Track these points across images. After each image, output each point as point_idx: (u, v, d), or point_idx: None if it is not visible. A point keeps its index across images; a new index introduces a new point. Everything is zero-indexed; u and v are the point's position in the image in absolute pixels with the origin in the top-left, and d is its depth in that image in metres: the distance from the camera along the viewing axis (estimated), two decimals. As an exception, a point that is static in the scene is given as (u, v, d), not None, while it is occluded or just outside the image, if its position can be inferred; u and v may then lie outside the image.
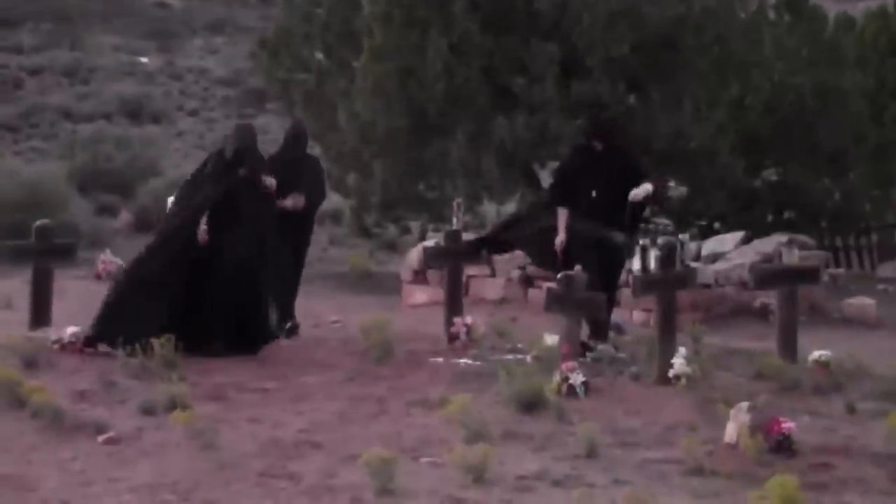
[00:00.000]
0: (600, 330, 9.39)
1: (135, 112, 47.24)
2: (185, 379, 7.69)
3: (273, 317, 10.01)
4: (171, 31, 65.64)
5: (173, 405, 6.95)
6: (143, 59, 58.30)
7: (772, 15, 18.70)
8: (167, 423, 6.76)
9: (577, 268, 8.59)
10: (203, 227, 9.33)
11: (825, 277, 14.01)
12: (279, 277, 10.13)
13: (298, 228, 10.45)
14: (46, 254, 9.75)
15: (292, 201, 10.21)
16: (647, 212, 10.15)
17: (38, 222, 10.20)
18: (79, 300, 11.86)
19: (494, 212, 23.16)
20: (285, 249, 10.22)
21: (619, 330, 10.71)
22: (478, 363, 9.07)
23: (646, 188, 9.26)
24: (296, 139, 10.79)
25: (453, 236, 10.52)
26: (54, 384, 7.57)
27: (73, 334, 8.83)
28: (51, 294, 9.82)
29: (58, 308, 9.90)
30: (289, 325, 10.33)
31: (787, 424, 6.38)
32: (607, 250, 9.27)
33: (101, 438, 6.54)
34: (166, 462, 6.15)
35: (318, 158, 11.91)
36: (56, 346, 8.79)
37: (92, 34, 60.65)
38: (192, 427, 6.52)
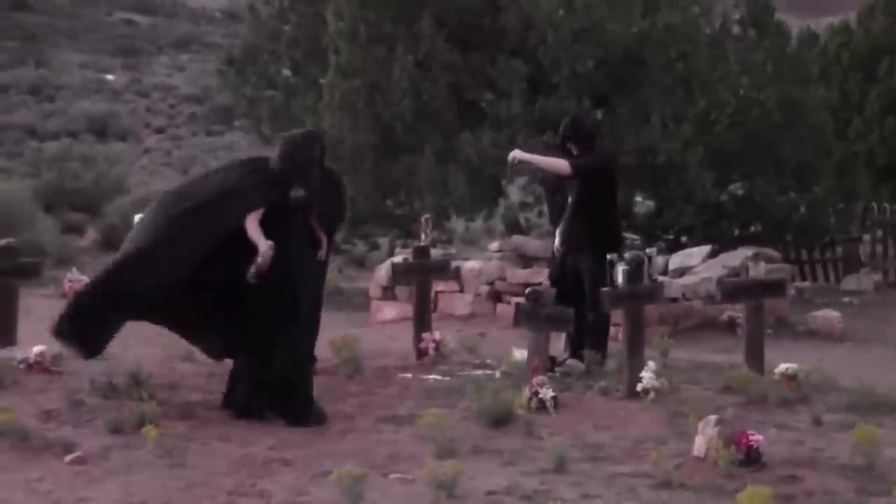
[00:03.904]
0: (578, 345, 9.38)
1: (101, 130, 47.14)
2: (153, 397, 7.65)
3: None
4: (138, 49, 65.58)
5: (141, 424, 6.90)
6: (110, 77, 58.19)
7: (736, 30, 18.85)
8: (135, 442, 6.73)
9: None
10: (266, 243, 7.58)
11: (791, 291, 14.13)
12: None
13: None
14: (12, 273, 9.68)
15: None
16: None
17: (3, 241, 10.12)
18: (45, 319, 11.77)
19: (462, 227, 23.24)
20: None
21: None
22: (447, 379, 9.07)
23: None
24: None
25: (422, 252, 10.52)
26: (21, 404, 7.51)
27: (40, 354, 8.77)
28: (16, 313, 9.75)
29: (24, 327, 9.82)
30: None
31: (755, 437, 6.42)
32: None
33: (68, 458, 6.49)
34: (135, 481, 6.11)
35: (336, 171, 10.59)
36: (22, 366, 8.72)
37: (58, 52, 60.45)
38: (161, 446, 6.49)
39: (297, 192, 7.82)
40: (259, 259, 7.49)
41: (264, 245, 7.51)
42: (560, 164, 9.33)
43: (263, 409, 7.65)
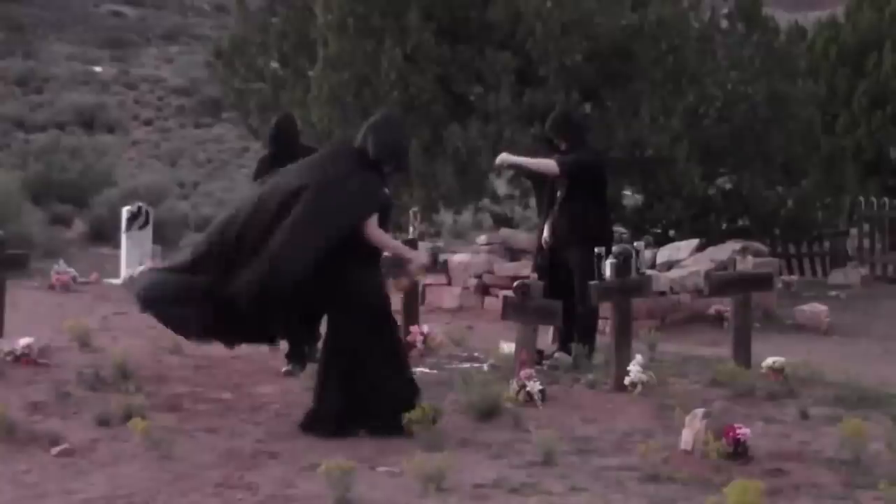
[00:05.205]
0: (567, 338, 9.38)
1: (89, 121, 46.96)
2: (140, 389, 7.64)
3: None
4: (126, 40, 65.35)
5: (129, 416, 6.89)
6: (98, 69, 57.96)
7: (725, 25, 18.86)
8: (123, 434, 6.71)
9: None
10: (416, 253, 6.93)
11: (778, 284, 14.17)
12: None
13: None
14: (-1, 265, 9.64)
15: None
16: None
17: (-10, 233, 10.09)
18: (32, 311, 11.76)
19: (451, 220, 23.24)
20: None
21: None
22: (435, 372, 9.08)
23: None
24: (285, 134, 9.22)
25: (410, 245, 10.50)
26: (7, 396, 7.49)
27: (27, 346, 8.75)
28: (3, 305, 9.73)
29: (11, 319, 9.79)
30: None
31: (742, 430, 6.43)
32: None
33: (55, 450, 6.48)
34: (122, 473, 6.10)
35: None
36: (9, 358, 8.70)
37: (46, 43, 60.23)
38: (149, 438, 6.48)
39: (387, 189, 7.15)
40: (413, 268, 6.99)
41: (415, 254, 7.02)
42: (548, 165, 9.36)
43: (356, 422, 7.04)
